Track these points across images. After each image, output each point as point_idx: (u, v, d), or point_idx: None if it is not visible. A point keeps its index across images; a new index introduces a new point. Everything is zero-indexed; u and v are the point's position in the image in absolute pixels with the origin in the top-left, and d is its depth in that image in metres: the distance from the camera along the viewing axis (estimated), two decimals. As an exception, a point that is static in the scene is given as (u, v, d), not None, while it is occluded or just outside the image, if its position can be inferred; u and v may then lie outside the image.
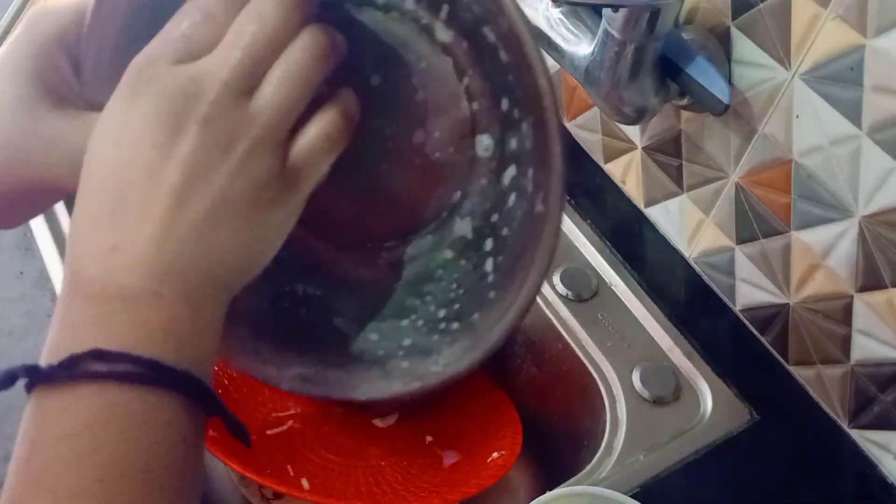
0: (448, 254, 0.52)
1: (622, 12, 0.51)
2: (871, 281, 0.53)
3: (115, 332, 0.31)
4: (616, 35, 0.53)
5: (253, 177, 0.34)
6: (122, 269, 0.32)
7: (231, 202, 0.34)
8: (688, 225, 0.66)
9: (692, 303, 0.68)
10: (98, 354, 0.30)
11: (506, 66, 0.42)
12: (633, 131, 0.69)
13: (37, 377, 0.30)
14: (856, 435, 0.59)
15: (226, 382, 0.76)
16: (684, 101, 0.60)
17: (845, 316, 0.55)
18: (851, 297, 0.55)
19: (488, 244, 0.50)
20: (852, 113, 0.50)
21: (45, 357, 0.31)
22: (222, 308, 0.35)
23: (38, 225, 0.69)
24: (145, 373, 0.30)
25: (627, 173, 0.71)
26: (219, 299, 0.35)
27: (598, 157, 0.74)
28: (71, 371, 0.30)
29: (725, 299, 0.65)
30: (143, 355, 0.30)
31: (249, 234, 0.35)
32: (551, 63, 0.75)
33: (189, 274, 0.33)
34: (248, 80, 0.33)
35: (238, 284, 0.36)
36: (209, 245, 0.33)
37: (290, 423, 0.77)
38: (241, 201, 0.34)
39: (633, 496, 0.54)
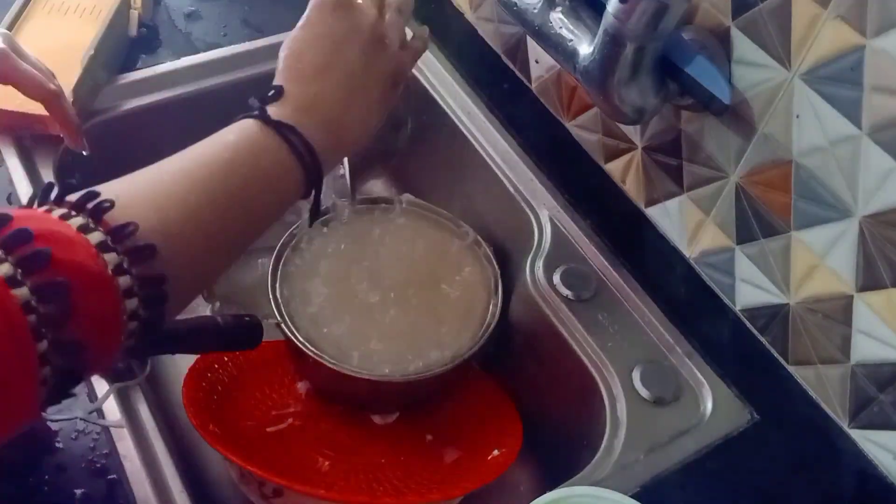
0: None
1: (628, 3, 0.51)
2: (871, 281, 0.53)
3: (294, 115, 0.51)
4: (617, 33, 0.53)
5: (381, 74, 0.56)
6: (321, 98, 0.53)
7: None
8: (688, 225, 0.66)
9: (692, 303, 0.68)
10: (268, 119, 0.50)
11: None
12: (633, 131, 0.69)
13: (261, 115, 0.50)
14: (856, 435, 0.59)
15: (226, 380, 0.77)
16: (684, 101, 0.60)
17: (845, 316, 0.55)
18: (851, 297, 0.55)
19: None
20: (852, 113, 0.50)
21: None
22: (336, 153, 0.54)
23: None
24: (281, 128, 0.49)
25: (627, 173, 0.71)
26: (340, 145, 0.54)
27: (598, 157, 0.74)
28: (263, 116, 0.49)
29: (725, 299, 0.65)
30: (290, 122, 0.50)
31: (366, 109, 0.55)
32: (551, 63, 0.75)
33: (333, 116, 0.53)
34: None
35: (350, 143, 0.55)
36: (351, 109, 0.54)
37: (290, 420, 0.77)
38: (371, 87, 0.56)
39: (633, 496, 0.54)
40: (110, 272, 0.38)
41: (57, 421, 0.58)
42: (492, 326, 0.74)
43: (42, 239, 0.36)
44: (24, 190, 0.72)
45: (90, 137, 0.75)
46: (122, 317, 0.39)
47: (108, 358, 0.40)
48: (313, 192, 0.52)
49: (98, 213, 0.39)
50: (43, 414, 0.58)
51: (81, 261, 0.36)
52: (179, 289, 0.43)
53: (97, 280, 0.37)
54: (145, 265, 0.39)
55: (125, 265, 0.38)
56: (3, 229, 0.35)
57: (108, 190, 0.41)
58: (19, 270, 0.34)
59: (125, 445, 0.58)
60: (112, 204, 0.39)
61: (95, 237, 0.38)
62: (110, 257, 0.38)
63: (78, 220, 0.38)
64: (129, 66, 0.84)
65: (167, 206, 0.43)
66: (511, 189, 0.79)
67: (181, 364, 0.74)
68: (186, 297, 0.46)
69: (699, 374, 0.66)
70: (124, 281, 0.38)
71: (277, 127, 0.49)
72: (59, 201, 0.40)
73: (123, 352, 0.41)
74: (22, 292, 0.34)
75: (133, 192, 0.42)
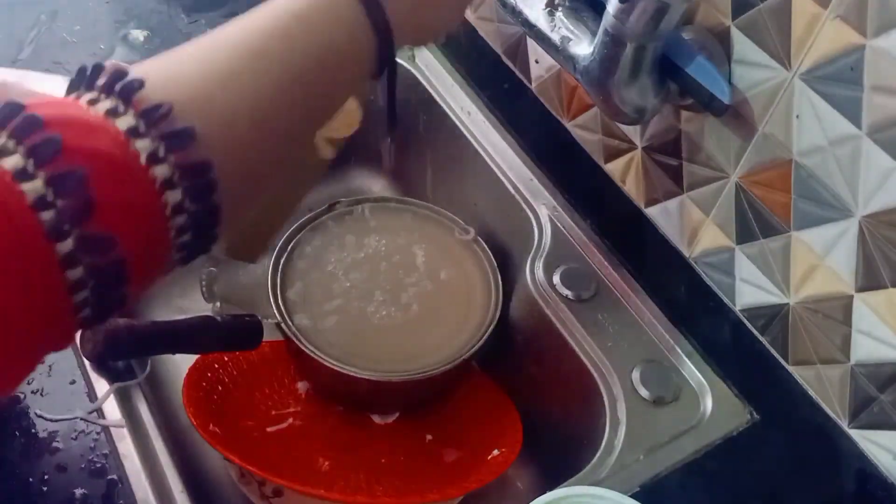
0: None
1: (628, 3, 0.51)
2: (871, 281, 0.53)
3: None
4: (617, 33, 0.53)
5: None
6: None
7: None
8: (688, 225, 0.66)
9: (692, 303, 0.68)
10: None
11: None
12: (633, 131, 0.69)
13: None
14: (856, 435, 0.59)
15: (226, 380, 0.77)
16: (684, 101, 0.60)
17: (845, 316, 0.55)
18: (851, 297, 0.55)
19: None
20: (852, 113, 0.50)
21: None
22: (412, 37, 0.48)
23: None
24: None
25: (627, 173, 0.71)
26: (419, 31, 0.49)
27: (598, 157, 0.74)
28: None
29: (725, 299, 0.65)
30: None
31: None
32: (551, 63, 0.75)
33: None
34: None
35: (429, 31, 0.51)
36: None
37: (291, 420, 0.77)
38: None
39: (633, 496, 0.54)
40: (144, 161, 0.33)
41: (57, 421, 0.58)
42: (492, 326, 0.74)
43: (53, 125, 0.32)
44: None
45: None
46: (163, 210, 0.34)
47: (157, 260, 0.36)
48: (386, 75, 0.46)
49: (127, 94, 0.34)
50: (43, 414, 0.58)
51: (102, 148, 0.32)
52: (231, 184, 0.37)
53: (123, 168, 0.33)
54: (184, 151, 0.34)
55: (161, 153, 0.34)
56: (13, 119, 0.32)
57: (140, 68, 0.36)
58: (31, 161, 0.31)
59: (125, 445, 0.58)
60: (141, 83, 0.34)
61: (125, 122, 0.33)
62: (142, 144, 0.33)
63: (105, 105, 0.34)
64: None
65: (210, 83, 0.37)
66: (511, 189, 0.79)
67: (181, 364, 0.74)
68: (240, 196, 0.39)
69: (699, 374, 0.66)
70: (161, 170, 0.33)
71: None
72: (91, 85, 0.35)
73: (180, 255, 0.37)
74: (35, 186, 0.30)
75: (168, 68, 0.37)
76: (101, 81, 0.35)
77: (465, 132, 0.84)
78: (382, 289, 0.77)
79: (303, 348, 0.70)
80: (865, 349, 0.55)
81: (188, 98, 0.35)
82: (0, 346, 0.31)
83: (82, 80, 0.35)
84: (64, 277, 0.31)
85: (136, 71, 0.35)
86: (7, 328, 0.31)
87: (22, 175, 0.30)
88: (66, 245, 0.31)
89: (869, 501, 0.59)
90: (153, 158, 0.33)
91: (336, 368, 0.69)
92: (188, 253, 0.37)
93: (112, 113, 0.34)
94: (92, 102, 0.34)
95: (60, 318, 0.33)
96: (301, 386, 0.81)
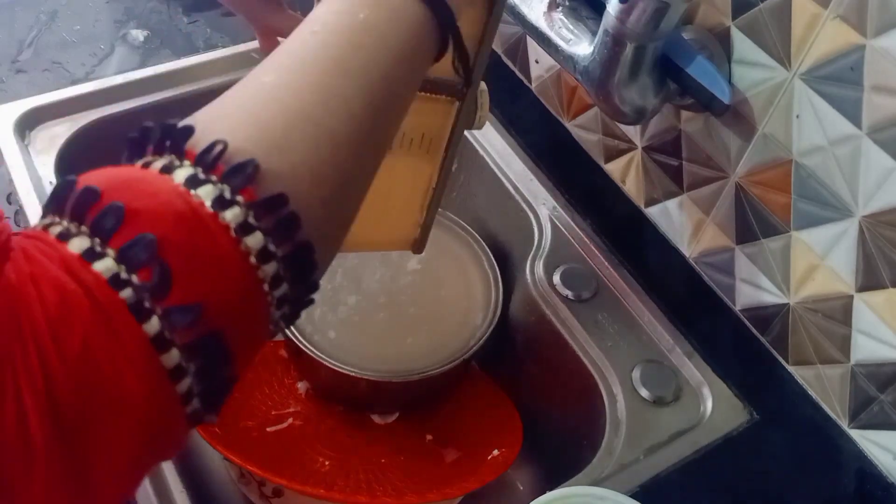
0: None
1: (629, 3, 0.51)
2: (871, 281, 0.53)
3: None
4: (617, 33, 0.53)
5: None
6: None
7: None
8: (688, 225, 0.66)
9: (692, 303, 0.68)
10: None
11: None
12: (633, 131, 0.69)
13: None
14: (856, 435, 0.59)
15: (226, 381, 0.76)
16: (684, 101, 0.60)
17: (845, 316, 0.55)
18: (851, 297, 0.55)
19: None
20: (852, 113, 0.50)
21: None
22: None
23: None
24: None
25: (627, 173, 0.71)
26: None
27: (598, 157, 0.74)
28: None
29: (725, 299, 0.65)
30: None
31: None
32: (551, 63, 0.75)
33: None
34: None
35: None
36: None
37: (291, 420, 0.77)
38: None
39: (633, 496, 0.54)
40: (210, 207, 0.29)
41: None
42: (492, 326, 0.74)
43: (111, 192, 0.28)
44: (25, 189, 0.72)
45: (91, 137, 0.75)
46: (246, 261, 0.30)
47: (257, 325, 0.31)
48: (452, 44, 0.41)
49: (178, 145, 0.31)
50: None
51: (166, 203, 0.29)
52: (316, 214, 0.33)
53: (192, 222, 0.29)
54: (251, 187, 0.30)
55: (227, 195, 0.29)
56: (69, 195, 0.29)
57: (190, 118, 0.33)
58: (97, 240, 0.27)
59: (125, 445, 0.58)
60: (190, 129, 0.31)
61: (182, 173, 0.30)
62: (204, 190, 0.29)
63: (161, 163, 0.30)
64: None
65: (267, 109, 0.33)
66: (511, 189, 0.79)
67: (181, 364, 0.74)
68: (330, 226, 0.35)
69: (699, 374, 0.66)
70: (232, 214, 0.29)
71: None
72: (143, 150, 0.32)
73: (281, 312, 0.32)
74: (106, 265, 0.27)
75: (218, 108, 0.33)
76: (151, 144, 0.32)
77: (465, 132, 0.83)
78: (382, 289, 0.76)
79: (303, 348, 0.70)
80: (865, 349, 0.55)
81: (242, 131, 0.32)
82: (108, 454, 0.27)
83: (134, 150, 0.32)
84: (160, 364, 0.27)
85: (183, 122, 0.32)
86: (114, 433, 0.27)
87: (91, 255, 0.27)
88: (153, 325, 0.27)
89: (869, 501, 0.59)
90: (220, 202, 0.29)
91: (336, 368, 0.69)
92: (290, 308, 0.33)
93: (167, 169, 0.30)
94: (146, 165, 0.31)
95: (167, 415, 0.28)
96: (301, 386, 0.81)
